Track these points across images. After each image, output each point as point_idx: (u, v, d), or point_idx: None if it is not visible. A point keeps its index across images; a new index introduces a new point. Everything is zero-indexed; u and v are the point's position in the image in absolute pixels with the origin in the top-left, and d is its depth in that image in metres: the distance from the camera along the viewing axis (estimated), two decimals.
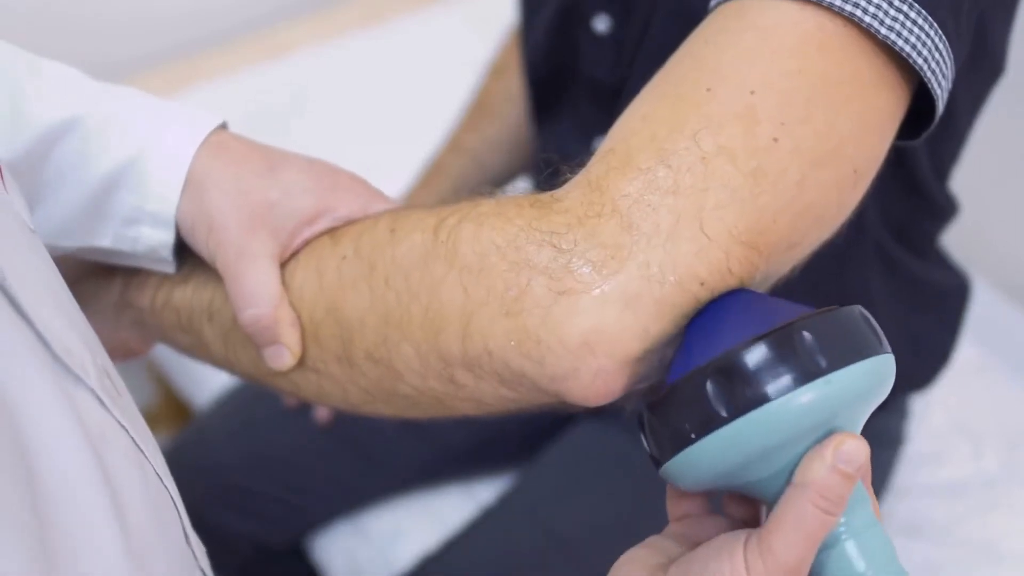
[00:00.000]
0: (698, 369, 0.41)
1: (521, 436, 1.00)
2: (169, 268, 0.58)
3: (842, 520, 0.41)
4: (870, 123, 0.49)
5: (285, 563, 1.05)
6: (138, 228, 0.56)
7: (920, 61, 0.49)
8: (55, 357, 0.39)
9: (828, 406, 0.40)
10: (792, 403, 0.40)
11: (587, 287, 0.44)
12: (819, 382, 0.40)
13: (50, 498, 0.35)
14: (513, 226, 0.46)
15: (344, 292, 0.51)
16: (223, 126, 0.57)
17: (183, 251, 0.58)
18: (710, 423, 0.41)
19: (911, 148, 0.54)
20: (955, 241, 0.92)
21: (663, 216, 0.45)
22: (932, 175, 0.74)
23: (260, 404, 1.00)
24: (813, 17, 0.48)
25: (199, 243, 0.55)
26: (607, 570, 0.46)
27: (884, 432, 0.92)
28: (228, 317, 0.56)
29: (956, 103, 0.64)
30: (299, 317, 0.53)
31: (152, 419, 1.60)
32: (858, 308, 0.43)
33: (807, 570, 0.40)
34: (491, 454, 1.02)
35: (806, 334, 0.40)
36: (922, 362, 0.86)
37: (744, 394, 0.40)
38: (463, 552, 0.90)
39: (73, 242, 0.58)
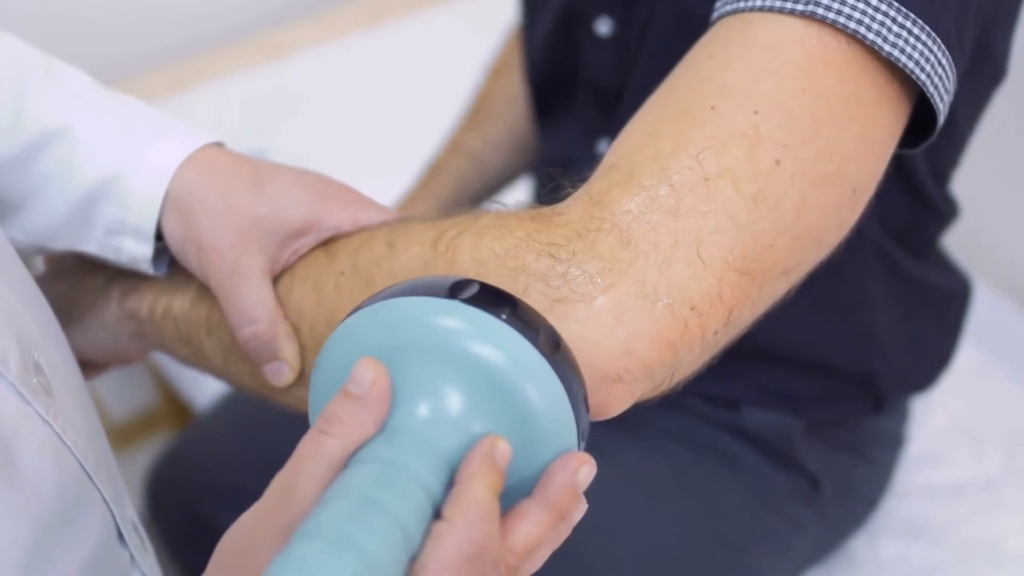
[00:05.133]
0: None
1: None
2: (158, 273, 0.58)
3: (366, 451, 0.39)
4: (871, 142, 0.49)
5: None
6: (120, 239, 0.56)
7: (923, 77, 0.48)
8: None
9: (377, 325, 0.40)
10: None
11: (583, 297, 0.44)
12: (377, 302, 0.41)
13: None
14: (513, 236, 0.47)
15: (342, 305, 0.51)
16: (218, 144, 0.57)
17: None
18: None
19: (910, 154, 0.54)
20: (956, 242, 0.91)
21: (662, 236, 0.45)
22: (931, 180, 0.73)
23: (261, 405, 0.99)
24: (817, 35, 0.47)
25: (190, 262, 0.55)
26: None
27: (885, 433, 0.92)
28: (227, 332, 0.56)
29: (957, 108, 0.64)
30: (299, 332, 0.53)
31: (152, 419, 1.60)
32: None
33: (309, 488, 0.39)
34: None
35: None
36: (923, 364, 0.85)
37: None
38: None
39: (61, 244, 0.58)
